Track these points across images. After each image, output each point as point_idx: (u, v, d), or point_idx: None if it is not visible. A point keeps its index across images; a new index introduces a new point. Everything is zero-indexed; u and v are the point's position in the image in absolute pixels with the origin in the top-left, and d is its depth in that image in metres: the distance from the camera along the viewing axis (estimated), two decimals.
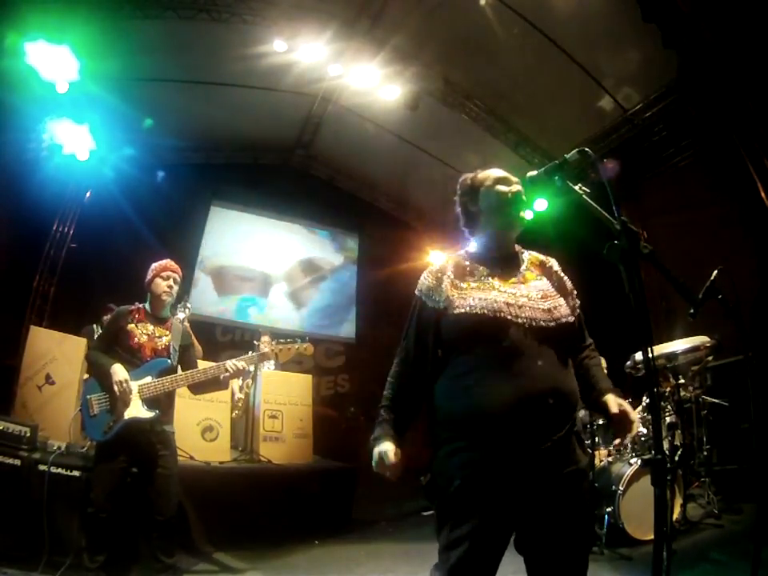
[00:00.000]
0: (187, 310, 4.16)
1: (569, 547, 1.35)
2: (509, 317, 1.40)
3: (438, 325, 1.48)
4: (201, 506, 3.61)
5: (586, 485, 1.42)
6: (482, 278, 1.51)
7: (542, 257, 1.64)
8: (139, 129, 6.23)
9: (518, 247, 1.64)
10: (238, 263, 8.20)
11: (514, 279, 1.52)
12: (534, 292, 1.48)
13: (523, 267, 1.57)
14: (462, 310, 1.43)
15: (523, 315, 1.41)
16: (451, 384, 1.44)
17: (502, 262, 1.57)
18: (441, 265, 1.58)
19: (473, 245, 1.64)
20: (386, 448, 1.46)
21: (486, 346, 1.40)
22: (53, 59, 4.53)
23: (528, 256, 1.63)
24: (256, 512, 3.94)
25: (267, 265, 8.44)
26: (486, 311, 1.40)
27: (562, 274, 1.61)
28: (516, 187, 1.58)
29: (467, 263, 1.57)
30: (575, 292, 1.57)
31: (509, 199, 1.56)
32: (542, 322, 1.41)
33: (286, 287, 8.52)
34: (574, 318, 1.50)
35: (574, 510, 1.36)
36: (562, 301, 1.50)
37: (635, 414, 1.42)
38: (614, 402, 1.42)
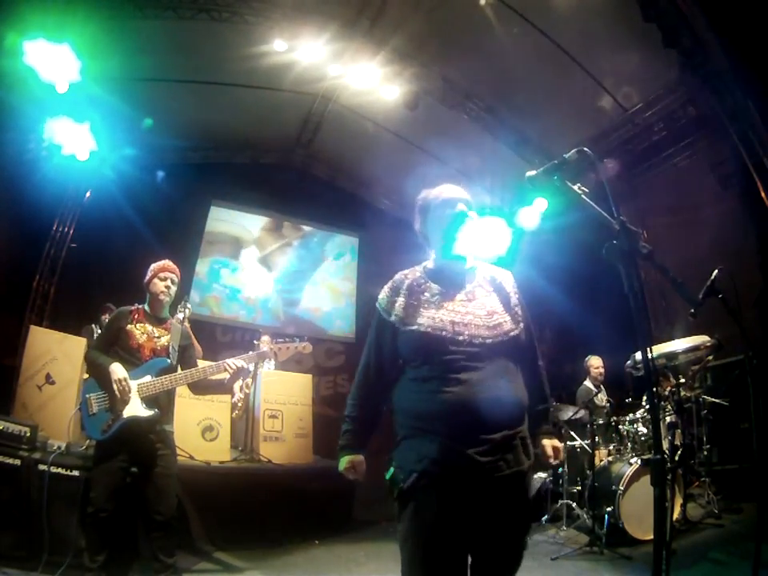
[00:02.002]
0: (187, 311, 4.15)
1: (505, 544, 1.49)
2: (450, 335, 1.52)
3: (394, 337, 1.61)
4: (201, 506, 3.62)
5: (526, 486, 1.53)
6: (433, 296, 1.62)
7: (495, 271, 1.74)
8: (139, 129, 6.22)
9: (471, 262, 1.72)
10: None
11: (462, 297, 1.62)
12: (480, 309, 1.59)
13: (473, 284, 1.66)
14: (411, 328, 1.56)
15: (466, 333, 1.53)
16: (407, 389, 1.58)
17: (453, 279, 1.67)
18: (398, 280, 1.70)
19: (430, 260, 1.75)
20: (353, 460, 1.66)
21: (431, 358, 1.52)
22: (53, 58, 4.51)
23: (481, 271, 1.71)
24: (256, 512, 3.94)
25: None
26: (430, 329, 1.54)
27: (510, 290, 1.69)
28: (459, 207, 1.66)
29: (422, 280, 1.68)
30: (518, 307, 1.66)
31: (449, 222, 1.65)
32: (482, 339, 1.53)
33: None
34: (518, 332, 1.60)
35: (511, 511, 1.48)
36: (507, 317, 1.60)
37: (561, 457, 1.67)
38: (549, 448, 1.63)
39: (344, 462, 1.66)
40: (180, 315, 4.05)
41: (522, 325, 1.62)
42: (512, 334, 1.57)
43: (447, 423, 1.45)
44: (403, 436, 1.56)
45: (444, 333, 1.52)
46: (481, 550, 1.49)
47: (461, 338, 1.52)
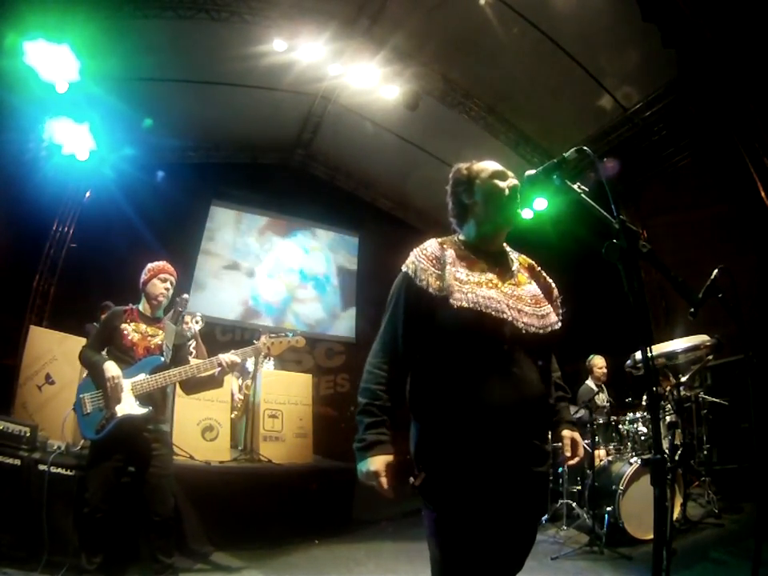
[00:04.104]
0: (199, 324, 4.18)
1: (533, 531, 1.47)
2: (510, 319, 1.39)
3: (433, 311, 1.40)
4: (201, 506, 3.61)
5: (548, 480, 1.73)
6: (483, 273, 1.47)
7: (529, 260, 1.65)
8: (139, 128, 6.22)
9: (505, 245, 1.61)
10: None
11: (510, 280, 1.50)
12: (529, 297, 1.48)
13: (515, 268, 1.55)
14: (465, 305, 1.36)
15: (522, 320, 1.41)
16: (448, 379, 1.38)
17: (495, 259, 1.54)
18: (436, 248, 1.50)
19: (464, 234, 1.59)
20: (389, 462, 1.36)
21: (484, 344, 1.37)
22: (52, 58, 4.51)
23: (517, 257, 1.61)
24: (256, 512, 3.94)
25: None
26: (490, 310, 1.37)
27: (549, 279, 1.62)
28: (512, 182, 1.54)
29: (465, 253, 1.51)
30: (559, 300, 1.58)
31: (505, 195, 1.52)
32: (535, 329, 1.42)
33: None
34: (559, 326, 1.50)
35: (539, 504, 1.48)
36: (551, 308, 1.51)
37: (581, 450, 1.53)
38: (568, 439, 1.52)
39: (376, 462, 1.34)
40: (195, 327, 4.07)
41: (561, 318, 1.52)
42: (557, 327, 1.47)
43: (500, 423, 1.32)
44: (437, 435, 1.37)
45: (504, 316, 1.37)
46: (512, 539, 1.42)
47: (519, 324, 1.38)
